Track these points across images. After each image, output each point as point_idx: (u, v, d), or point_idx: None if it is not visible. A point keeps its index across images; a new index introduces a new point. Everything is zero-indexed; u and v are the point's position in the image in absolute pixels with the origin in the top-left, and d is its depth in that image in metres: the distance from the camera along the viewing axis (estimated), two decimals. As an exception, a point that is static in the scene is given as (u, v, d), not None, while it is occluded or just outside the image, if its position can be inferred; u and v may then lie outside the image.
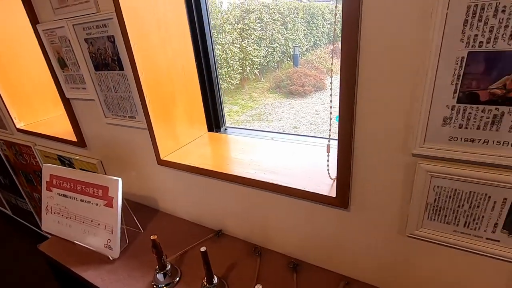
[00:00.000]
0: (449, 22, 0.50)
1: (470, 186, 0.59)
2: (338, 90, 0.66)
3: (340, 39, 0.62)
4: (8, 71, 1.61)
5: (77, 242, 1.11)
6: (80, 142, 1.36)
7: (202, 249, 0.80)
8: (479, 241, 0.63)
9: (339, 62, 0.64)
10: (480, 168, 0.57)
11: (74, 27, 1.03)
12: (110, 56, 1.01)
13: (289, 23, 8.98)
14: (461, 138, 0.56)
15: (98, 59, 1.05)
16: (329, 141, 0.76)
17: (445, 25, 0.50)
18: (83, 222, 1.11)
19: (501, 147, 0.54)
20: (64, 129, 1.58)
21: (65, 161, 1.55)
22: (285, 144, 1.10)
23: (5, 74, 1.59)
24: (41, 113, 1.78)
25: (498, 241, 0.61)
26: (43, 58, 1.67)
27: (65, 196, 1.16)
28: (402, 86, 0.59)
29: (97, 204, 1.07)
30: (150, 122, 1.03)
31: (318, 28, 10.44)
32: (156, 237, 0.86)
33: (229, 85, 6.99)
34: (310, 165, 0.92)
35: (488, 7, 0.47)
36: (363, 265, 0.83)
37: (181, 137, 1.17)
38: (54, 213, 1.19)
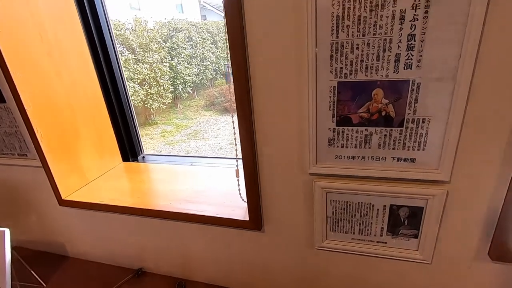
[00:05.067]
0: (319, 57, 0.56)
1: (357, 198, 0.66)
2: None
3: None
4: None
5: (-49, 316, 0.89)
6: (-43, 188, 1.12)
7: (110, 298, 0.72)
8: (372, 245, 0.70)
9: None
10: (363, 181, 0.64)
11: None
12: (-13, 87, 0.87)
13: (219, 41, 9.19)
14: (344, 156, 0.63)
15: (-29, 90, 0.89)
16: (237, 166, 0.78)
17: (316, 60, 0.56)
18: (-41, 288, 0.90)
19: (375, 162, 0.62)
20: None
21: None
22: (204, 168, 1.09)
23: None
24: None
25: (386, 243, 0.69)
26: None
27: None
28: (292, 113, 0.63)
29: (-23, 264, 0.88)
30: (45, 159, 0.90)
31: (247, 46, 10.93)
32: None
33: (161, 105, 6.73)
34: (226, 189, 0.92)
35: (346, 44, 0.54)
36: (283, 282, 0.85)
37: (89, 171, 1.06)
38: None
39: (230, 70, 0.64)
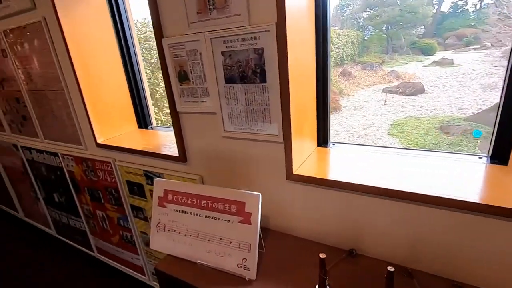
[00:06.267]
0: None
1: None
2: None
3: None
4: (94, 90, 1.60)
5: (200, 262, 1.04)
6: (182, 157, 1.33)
7: (390, 268, 0.75)
8: None
9: None
10: None
11: (212, 40, 1.03)
12: (251, 69, 1.00)
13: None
14: None
15: (233, 71, 1.04)
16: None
17: None
18: (208, 240, 1.05)
19: None
20: (152, 144, 1.55)
21: (153, 177, 1.50)
22: (415, 158, 1.07)
23: (91, 93, 1.58)
24: (117, 129, 1.76)
25: None
26: (123, 76, 1.69)
27: (184, 212, 1.11)
28: None
29: (228, 221, 1.02)
30: (290, 136, 1.00)
31: (327, 51, 10.80)
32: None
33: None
34: (465, 178, 0.89)
35: None
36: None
37: (305, 151, 1.14)
38: (168, 230, 1.13)
39: None
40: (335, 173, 1.03)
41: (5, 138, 2.38)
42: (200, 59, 1.09)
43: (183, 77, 1.17)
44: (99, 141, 1.65)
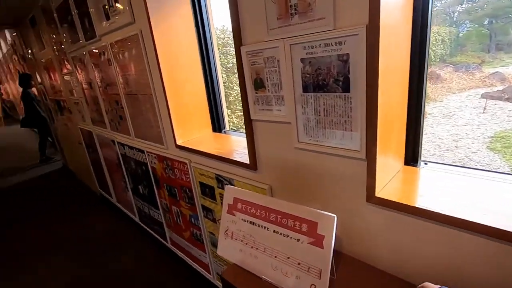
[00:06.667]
0: None
1: None
2: None
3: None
4: (177, 95, 1.72)
5: (265, 279, 1.00)
6: (252, 164, 1.31)
7: None
8: None
9: None
10: None
11: (291, 47, 0.98)
12: (332, 77, 0.91)
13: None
14: None
15: (312, 79, 0.97)
16: None
17: None
18: (275, 256, 1.00)
19: None
20: (225, 149, 1.58)
21: (223, 181, 1.53)
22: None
23: (174, 98, 1.70)
24: (194, 132, 1.86)
25: None
26: (202, 81, 1.76)
27: (252, 223, 1.08)
28: None
29: (298, 240, 0.95)
30: (374, 152, 0.88)
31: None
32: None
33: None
34: None
35: None
36: None
37: (390, 171, 0.99)
38: (236, 239, 1.12)
39: None
40: (426, 201, 0.86)
41: (106, 134, 2.79)
42: (277, 66, 1.05)
43: (259, 84, 1.15)
44: (178, 142, 1.77)
